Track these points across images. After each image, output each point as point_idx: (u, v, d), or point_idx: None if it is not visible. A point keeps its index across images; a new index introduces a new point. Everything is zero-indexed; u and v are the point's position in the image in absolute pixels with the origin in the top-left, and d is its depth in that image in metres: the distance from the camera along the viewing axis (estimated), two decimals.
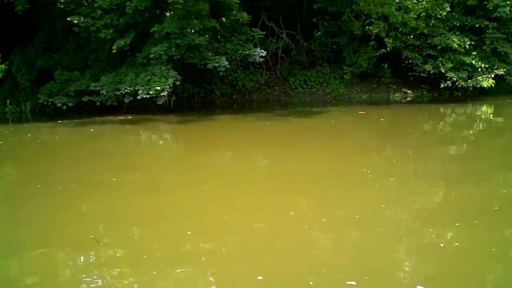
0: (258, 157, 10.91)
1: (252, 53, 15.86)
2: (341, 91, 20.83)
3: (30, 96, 19.38)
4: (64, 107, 16.98)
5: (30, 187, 8.47)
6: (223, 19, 15.90)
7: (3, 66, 15.42)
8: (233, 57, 16.12)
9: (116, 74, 16.44)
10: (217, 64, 15.57)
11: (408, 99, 20.77)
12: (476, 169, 9.06)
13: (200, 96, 20.84)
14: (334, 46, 20.97)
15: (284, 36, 19.55)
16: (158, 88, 15.01)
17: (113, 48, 15.61)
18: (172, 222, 6.56)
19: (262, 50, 16.29)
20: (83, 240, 5.84)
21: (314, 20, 20.70)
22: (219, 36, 16.19)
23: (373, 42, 20.79)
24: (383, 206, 6.84)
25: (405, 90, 21.29)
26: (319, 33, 20.72)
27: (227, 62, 15.64)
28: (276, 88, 21.43)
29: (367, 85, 21.60)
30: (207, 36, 15.42)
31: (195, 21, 15.33)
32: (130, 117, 16.34)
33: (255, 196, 7.75)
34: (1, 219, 7.09)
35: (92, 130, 14.71)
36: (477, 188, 7.73)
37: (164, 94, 15.06)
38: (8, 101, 18.70)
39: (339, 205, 7.17)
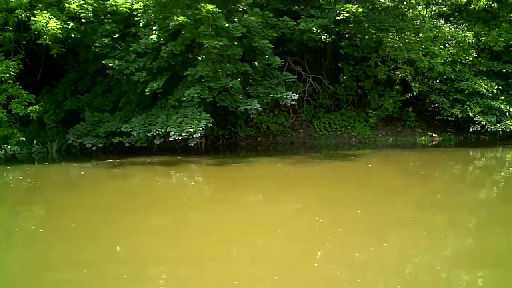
0: (291, 203, 10.81)
1: (284, 96, 15.93)
2: (366, 134, 20.77)
3: (56, 136, 19.43)
4: (94, 148, 16.98)
5: (63, 230, 8.53)
6: (256, 63, 16.05)
7: (37, 107, 15.55)
8: (264, 100, 16.17)
9: (146, 116, 16.52)
10: (249, 107, 15.62)
11: (434, 142, 20.66)
12: None
13: (225, 138, 20.81)
14: (359, 90, 21.09)
15: (310, 80, 19.67)
16: (191, 129, 15.02)
17: (146, 90, 15.75)
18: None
19: (294, 94, 16.36)
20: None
21: (339, 64, 20.90)
22: (250, 80, 16.29)
23: (398, 86, 20.89)
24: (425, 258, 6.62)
25: (430, 133, 21.22)
26: (344, 77, 20.86)
27: (259, 105, 15.71)
28: (301, 130, 21.42)
29: (392, 128, 21.57)
30: (239, 79, 15.52)
31: (228, 64, 15.48)
32: (157, 159, 16.33)
33: (283, 244, 7.60)
34: (33, 259, 7.12)
35: (120, 170, 14.66)
36: None
37: (197, 135, 15.05)
38: (35, 141, 18.72)
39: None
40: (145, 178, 14.17)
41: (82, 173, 15.19)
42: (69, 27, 15.21)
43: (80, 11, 15.27)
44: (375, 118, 20.83)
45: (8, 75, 15.33)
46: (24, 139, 16.56)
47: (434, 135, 21.18)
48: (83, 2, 15.42)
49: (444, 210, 9.63)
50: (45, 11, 14.81)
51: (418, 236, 7.81)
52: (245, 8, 15.69)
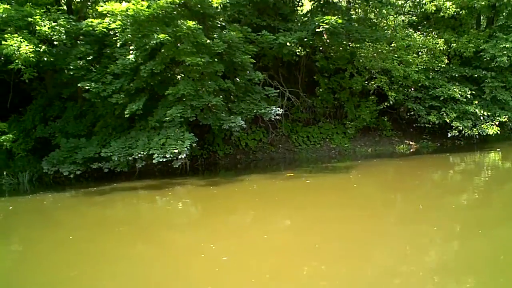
0: (284, 221, 10.66)
1: (268, 112, 15.69)
2: (346, 145, 20.77)
3: (27, 166, 18.47)
4: (72, 175, 16.19)
5: (41, 267, 8.10)
6: (237, 79, 15.78)
7: (11, 136, 14.69)
8: (248, 116, 15.88)
9: (126, 139, 15.91)
10: (233, 124, 15.29)
11: (411, 150, 20.86)
12: None
13: (203, 157, 20.33)
14: (336, 102, 21.13)
15: (288, 94, 19.54)
16: (176, 151, 14.52)
17: (125, 112, 15.18)
18: None
19: (278, 108, 16.15)
20: None
21: (315, 77, 20.92)
22: (231, 96, 15.99)
23: (373, 97, 21.05)
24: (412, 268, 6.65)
25: (407, 141, 21.43)
26: (320, 89, 20.87)
27: (243, 122, 15.41)
28: (280, 146, 21.20)
29: (370, 138, 21.68)
30: (221, 96, 15.19)
31: (209, 82, 15.14)
32: (140, 183, 15.73)
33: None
34: None
35: (103, 198, 14.00)
36: None
37: (182, 156, 14.56)
38: (4, 172, 17.70)
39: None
40: (137, 205, 13.62)
41: (59, 204, 14.40)
42: (41, 50, 14.50)
43: (52, 34, 14.60)
44: (353, 129, 20.88)
45: None
46: None
47: (411, 143, 21.40)
48: (55, 24, 14.77)
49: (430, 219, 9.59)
50: (16, 35, 14.06)
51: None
52: (223, 24, 15.42)
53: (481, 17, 21.91)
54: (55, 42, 15.21)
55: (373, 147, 21.17)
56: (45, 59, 14.95)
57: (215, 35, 14.82)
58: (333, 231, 9.03)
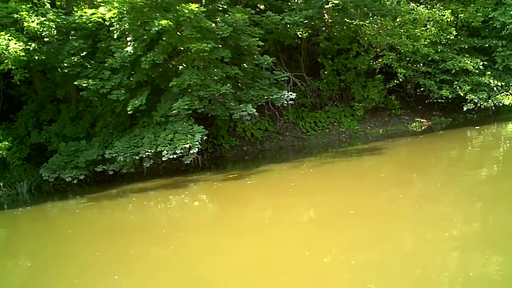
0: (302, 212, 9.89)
1: (280, 97, 14.73)
2: (356, 128, 19.92)
3: (24, 175, 17.34)
4: (75, 181, 15.13)
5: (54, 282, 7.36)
6: (244, 64, 14.78)
7: (6, 143, 13.57)
8: (259, 103, 14.91)
9: (129, 137, 14.88)
10: (244, 113, 14.32)
11: (423, 127, 20.08)
12: None
13: (209, 152, 19.34)
14: (342, 84, 20.23)
15: (292, 78, 18.57)
16: (186, 146, 13.54)
17: (128, 109, 14.14)
18: None
19: (291, 93, 15.20)
20: None
21: (318, 60, 20.02)
22: (239, 84, 14.99)
23: (379, 75, 20.20)
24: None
25: (418, 119, 20.65)
26: (325, 72, 19.95)
27: (254, 109, 14.43)
28: (287, 134, 20.29)
29: (379, 119, 20.85)
30: (228, 84, 14.20)
31: (215, 70, 14.14)
32: (150, 183, 14.77)
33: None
34: None
35: (110, 202, 13.01)
36: None
37: (194, 151, 13.58)
38: (1, 184, 16.54)
39: None
40: (150, 206, 12.66)
41: (64, 212, 13.40)
42: (31, 48, 13.38)
43: (42, 30, 13.48)
44: (361, 110, 20.05)
45: None
46: None
47: (422, 120, 20.62)
48: (44, 19, 13.63)
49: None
50: (2, 33, 12.92)
51: None
52: (224, 7, 14.39)
53: None
54: (45, 39, 14.07)
55: (384, 127, 20.35)
56: (36, 57, 13.89)
57: (218, 19, 13.79)
58: (355, 213, 8.69)
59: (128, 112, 14.19)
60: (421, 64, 19.54)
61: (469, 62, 18.46)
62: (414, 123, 20.24)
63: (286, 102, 15.42)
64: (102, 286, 6.94)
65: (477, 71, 18.56)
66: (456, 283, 5.38)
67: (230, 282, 6.46)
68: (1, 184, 16.49)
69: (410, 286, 5.56)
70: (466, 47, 19.28)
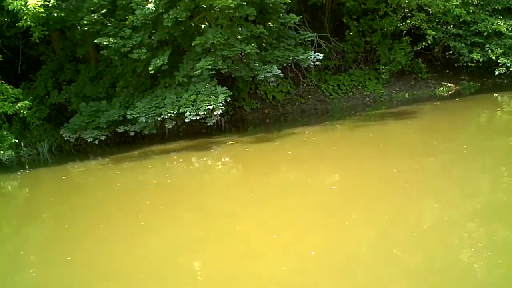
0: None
1: (307, 58, 14.20)
2: (381, 92, 19.36)
3: (44, 135, 17.24)
4: (96, 142, 14.95)
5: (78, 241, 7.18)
6: (270, 23, 14.21)
7: (27, 103, 13.32)
8: (284, 64, 14.42)
9: (151, 98, 14.56)
10: (268, 74, 13.87)
11: (451, 92, 19.43)
12: None
13: (229, 114, 18.99)
14: (367, 46, 19.54)
15: (317, 39, 17.92)
16: (210, 107, 13.19)
17: (149, 69, 13.76)
18: None
19: (318, 54, 14.65)
20: None
21: (344, 20, 19.28)
22: (264, 44, 14.47)
23: (406, 38, 19.45)
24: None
25: (445, 83, 19.97)
26: (351, 33, 19.25)
27: (279, 71, 13.95)
28: (309, 97, 19.80)
29: (405, 83, 20.22)
30: (253, 44, 13.69)
31: (240, 28, 13.62)
32: (173, 145, 14.49)
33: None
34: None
35: (132, 164, 12.78)
36: None
37: (218, 113, 13.24)
38: (22, 143, 16.43)
39: None
40: (173, 168, 12.39)
41: (86, 173, 13.24)
42: (51, 4, 12.95)
43: None
44: (387, 73, 19.41)
45: None
46: (17, 141, 14.32)
47: (449, 84, 19.94)
48: None
49: None
50: None
51: None
52: None
53: None
54: None
55: (410, 91, 19.75)
56: (55, 14, 13.44)
57: None
58: (380, 182, 8.37)
59: (150, 72, 13.82)
60: (451, 26, 18.72)
61: (502, 24, 17.63)
62: (441, 88, 19.59)
63: (312, 64, 14.85)
64: (125, 245, 6.81)
65: (511, 33, 17.73)
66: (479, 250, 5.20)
67: (253, 243, 6.28)
68: (22, 144, 16.36)
69: (435, 250, 5.38)
70: (500, 8, 18.37)
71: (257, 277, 5.24)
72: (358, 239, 5.98)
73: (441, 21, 18.39)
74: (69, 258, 6.53)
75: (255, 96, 19.45)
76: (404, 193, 7.54)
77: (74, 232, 7.72)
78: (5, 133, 13.51)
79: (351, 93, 19.66)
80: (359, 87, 19.83)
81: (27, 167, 14.99)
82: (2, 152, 12.60)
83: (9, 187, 13.00)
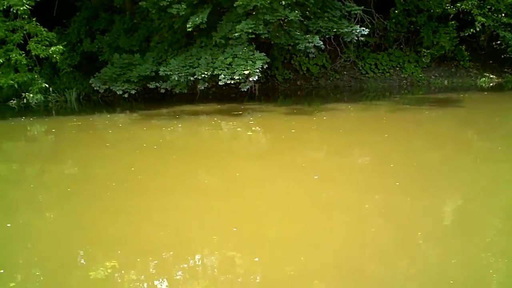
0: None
1: (352, 31, 13.59)
2: (420, 76, 18.67)
3: (73, 83, 17.05)
4: (126, 95, 14.68)
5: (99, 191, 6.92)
6: None
7: (61, 47, 13.02)
8: (326, 36, 13.85)
9: (185, 57, 14.15)
10: (309, 44, 13.33)
11: (492, 84, 18.64)
12: None
13: (261, 82, 18.54)
14: (411, 26, 18.76)
15: (361, 14, 17.18)
16: (246, 72, 12.76)
17: (188, 26, 13.31)
18: None
19: (363, 28, 14.02)
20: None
21: None
22: (307, 12, 13.87)
23: (453, 22, 18.59)
24: None
25: (487, 74, 19.17)
26: (396, 11, 18.45)
27: (321, 42, 13.40)
28: (345, 73, 19.23)
29: (445, 69, 19.48)
30: (297, 12, 13.11)
31: None
32: (203, 107, 14.16)
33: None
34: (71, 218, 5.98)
35: (159, 121, 12.47)
36: None
37: (254, 79, 12.81)
38: (51, 89, 16.24)
39: None
40: (201, 130, 12.01)
41: (114, 125, 12.97)
42: None
43: None
44: (428, 57, 18.70)
45: (23, 8, 12.61)
46: (47, 85, 14.10)
47: (492, 76, 19.15)
48: None
49: None
50: None
51: None
52: None
53: None
54: None
55: (449, 79, 19.03)
56: None
57: None
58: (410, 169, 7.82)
59: (188, 30, 13.37)
60: (503, 15, 17.81)
61: None
62: (483, 78, 18.82)
63: (356, 39, 14.23)
64: (143, 198, 6.59)
65: None
66: None
67: (278, 213, 5.99)
68: (51, 90, 16.18)
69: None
70: None
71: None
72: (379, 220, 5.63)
73: (493, 8, 17.49)
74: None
75: (289, 66, 18.96)
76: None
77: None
78: (36, 76, 13.27)
79: (388, 74, 19.04)
80: (397, 69, 19.18)
81: (53, 113, 14.83)
82: (31, 95, 12.40)
83: (35, 131, 12.85)
